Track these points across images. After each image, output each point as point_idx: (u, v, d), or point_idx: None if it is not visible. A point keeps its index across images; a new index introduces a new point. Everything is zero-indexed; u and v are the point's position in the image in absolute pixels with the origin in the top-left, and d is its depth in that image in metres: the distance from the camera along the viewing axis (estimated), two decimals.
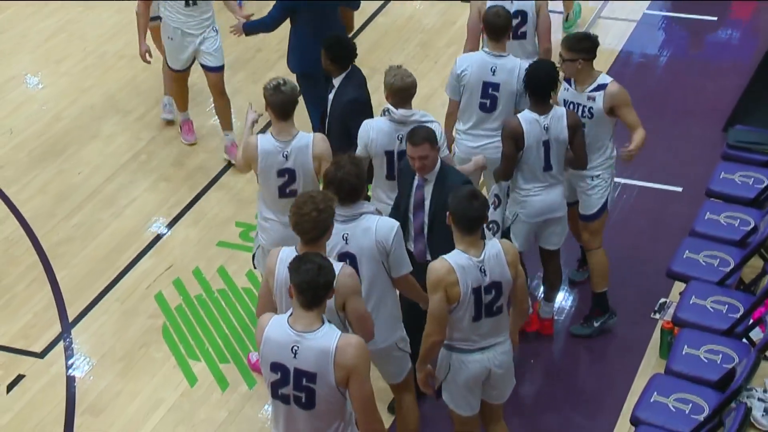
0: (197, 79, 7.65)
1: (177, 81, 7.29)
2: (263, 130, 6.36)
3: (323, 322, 4.03)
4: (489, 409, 4.85)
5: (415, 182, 5.09)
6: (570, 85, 5.65)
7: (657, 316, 6.06)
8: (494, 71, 5.80)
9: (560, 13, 8.64)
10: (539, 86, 5.40)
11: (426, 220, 5.07)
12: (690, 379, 5.00)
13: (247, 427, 5.47)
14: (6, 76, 8.38)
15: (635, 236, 6.68)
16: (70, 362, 5.89)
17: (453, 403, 4.77)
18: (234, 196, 7.12)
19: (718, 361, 5.06)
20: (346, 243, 4.58)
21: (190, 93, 7.48)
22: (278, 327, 4.05)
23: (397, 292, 4.87)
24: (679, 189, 7.06)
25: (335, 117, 5.72)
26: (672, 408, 4.84)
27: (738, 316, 5.32)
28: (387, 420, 5.25)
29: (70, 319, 6.18)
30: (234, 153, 7.04)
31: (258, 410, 5.55)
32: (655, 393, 4.91)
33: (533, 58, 6.44)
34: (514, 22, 6.29)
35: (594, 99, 5.55)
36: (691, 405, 4.84)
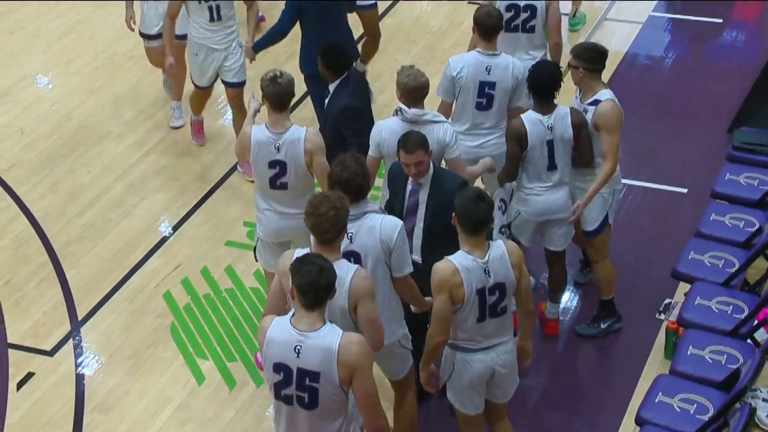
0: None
1: (200, 96, 7.29)
2: None
3: (325, 322, 4.06)
4: (494, 409, 4.88)
5: (409, 187, 5.09)
6: (579, 94, 5.65)
7: (662, 316, 6.08)
8: (489, 70, 5.84)
9: (567, 15, 8.66)
10: (542, 86, 5.42)
11: (422, 224, 5.06)
12: (695, 380, 5.02)
13: (254, 426, 5.50)
14: (17, 76, 8.44)
15: (640, 237, 6.70)
16: (79, 360, 5.94)
17: (458, 403, 4.79)
18: (242, 197, 7.15)
19: (723, 362, 5.08)
20: (351, 242, 4.61)
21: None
22: (281, 328, 4.07)
23: None
24: (685, 190, 7.08)
25: (329, 122, 5.78)
26: (677, 408, 4.86)
27: (743, 316, 5.34)
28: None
29: (80, 318, 6.23)
30: (247, 166, 7.04)
31: (265, 409, 5.59)
32: (660, 393, 4.93)
33: (541, 52, 6.50)
34: (523, 15, 6.35)
35: (587, 112, 5.52)
36: (695, 405, 4.86)
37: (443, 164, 5.49)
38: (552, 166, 5.49)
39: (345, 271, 4.36)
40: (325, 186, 5.23)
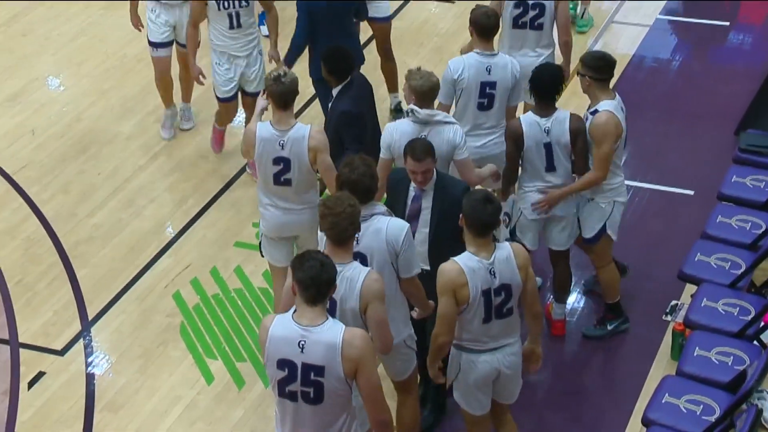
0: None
1: (227, 110, 7.17)
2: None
3: (327, 317, 4.08)
4: (499, 408, 4.91)
5: (412, 193, 5.10)
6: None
7: (669, 318, 6.09)
8: (490, 70, 5.88)
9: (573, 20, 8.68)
10: (542, 88, 5.46)
11: (427, 229, 5.06)
12: (701, 381, 5.03)
13: (263, 425, 5.53)
14: (29, 77, 8.50)
15: (647, 239, 6.72)
16: (89, 360, 5.99)
17: (464, 403, 4.82)
18: (251, 198, 7.16)
19: (729, 363, 5.10)
20: (357, 243, 4.62)
21: (214, 101, 7.29)
22: (283, 324, 4.10)
23: None
24: (691, 192, 7.09)
25: (330, 127, 5.81)
26: (683, 409, 4.87)
27: (749, 318, 5.35)
28: None
29: (90, 318, 6.27)
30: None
31: (274, 408, 5.60)
32: (667, 394, 4.94)
33: (548, 50, 6.53)
34: (532, 13, 6.39)
35: (588, 120, 5.53)
36: (702, 406, 4.87)
37: (451, 166, 5.52)
38: (551, 168, 5.52)
39: (357, 273, 4.40)
40: (330, 184, 5.28)
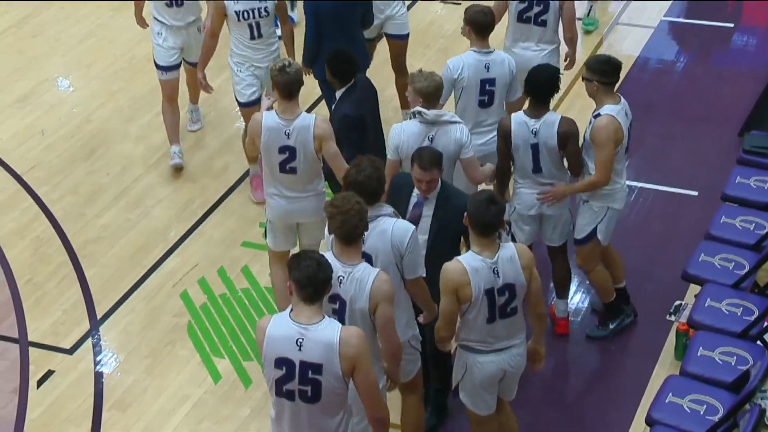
0: (226, 85, 7.80)
1: (247, 117, 6.86)
2: None
3: (323, 316, 4.12)
4: (499, 403, 4.94)
5: (414, 199, 5.11)
6: None
7: (672, 318, 6.12)
8: (488, 68, 5.94)
9: (580, 19, 8.71)
10: (537, 89, 5.49)
11: (426, 237, 5.05)
12: (705, 381, 5.05)
13: (269, 424, 5.51)
14: (39, 78, 8.54)
15: (651, 239, 6.74)
16: (98, 358, 6.03)
17: (470, 403, 4.85)
18: None
19: (733, 363, 5.11)
20: (363, 243, 4.63)
21: (222, 102, 7.32)
22: (280, 323, 4.13)
23: None
24: (695, 193, 7.12)
25: (333, 129, 5.85)
26: (687, 409, 4.89)
27: (753, 318, 5.38)
28: None
29: (98, 317, 6.31)
30: (257, 182, 6.91)
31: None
32: (670, 394, 4.96)
33: (551, 46, 6.57)
34: (536, 9, 6.43)
35: (591, 124, 5.54)
36: (705, 406, 4.90)
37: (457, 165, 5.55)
38: (537, 169, 5.55)
39: (367, 274, 4.43)
40: (338, 171, 5.34)
